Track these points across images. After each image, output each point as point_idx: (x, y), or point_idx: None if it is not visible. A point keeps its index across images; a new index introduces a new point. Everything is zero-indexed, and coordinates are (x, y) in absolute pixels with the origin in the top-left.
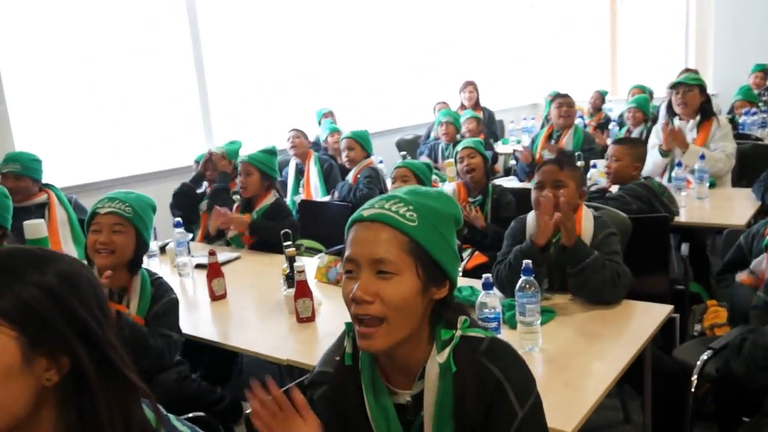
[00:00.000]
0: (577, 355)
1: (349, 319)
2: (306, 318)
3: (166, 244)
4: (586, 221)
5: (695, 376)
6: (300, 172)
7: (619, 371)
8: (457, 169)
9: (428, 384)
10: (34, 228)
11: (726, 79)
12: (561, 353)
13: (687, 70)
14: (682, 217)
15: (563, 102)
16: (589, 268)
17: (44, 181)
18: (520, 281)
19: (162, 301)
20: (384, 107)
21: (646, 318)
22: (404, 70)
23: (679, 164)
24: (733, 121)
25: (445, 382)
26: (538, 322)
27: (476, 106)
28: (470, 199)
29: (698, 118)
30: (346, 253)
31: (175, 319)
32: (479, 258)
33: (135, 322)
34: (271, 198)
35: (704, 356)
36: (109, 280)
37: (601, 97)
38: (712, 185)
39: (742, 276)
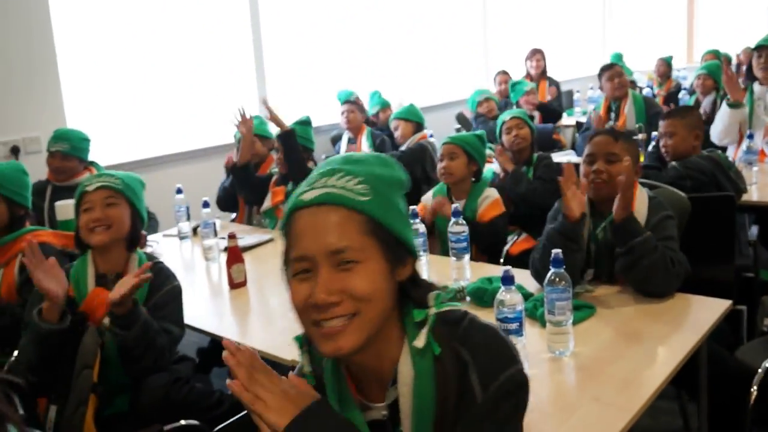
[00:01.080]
0: (616, 360)
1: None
2: (239, 283)
3: (198, 226)
4: (639, 202)
5: (755, 387)
6: (353, 148)
7: (663, 379)
8: (502, 140)
9: (403, 389)
10: (65, 209)
11: None
12: (596, 358)
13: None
14: (753, 196)
15: (613, 74)
16: (639, 248)
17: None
18: (549, 274)
19: (163, 290)
20: (444, 79)
21: (701, 314)
22: (465, 38)
23: (751, 137)
24: None
25: (421, 382)
26: (570, 321)
27: (543, 75)
28: None
29: None
30: (293, 252)
31: (177, 311)
32: (528, 242)
33: (149, 317)
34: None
35: (766, 363)
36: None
37: (665, 63)
38: None
39: None
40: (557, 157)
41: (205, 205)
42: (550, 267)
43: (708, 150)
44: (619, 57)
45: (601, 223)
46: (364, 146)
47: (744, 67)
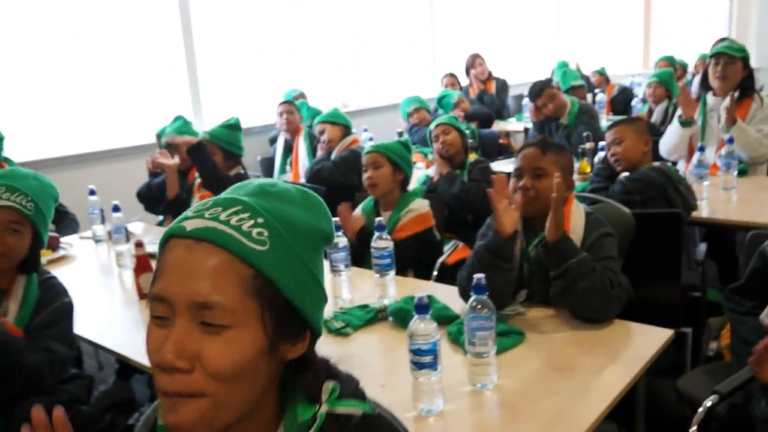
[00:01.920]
0: (545, 395)
1: None
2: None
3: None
4: (575, 219)
5: (694, 428)
6: (289, 149)
7: (596, 417)
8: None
9: None
10: None
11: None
12: (522, 393)
13: (721, 40)
14: (703, 212)
15: (544, 101)
16: (574, 270)
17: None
18: (470, 300)
19: (50, 308)
20: (390, 80)
21: (641, 343)
22: (412, 39)
23: (702, 149)
24: None
25: None
26: (492, 352)
27: (489, 78)
28: None
29: (736, 95)
30: (154, 287)
31: (65, 329)
32: (465, 251)
33: (7, 334)
34: (234, 172)
35: (708, 402)
36: None
37: (600, 75)
38: (742, 173)
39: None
40: (502, 165)
41: (116, 209)
42: (472, 293)
43: (659, 162)
44: (563, 65)
45: (534, 240)
46: (302, 148)
47: (698, 77)
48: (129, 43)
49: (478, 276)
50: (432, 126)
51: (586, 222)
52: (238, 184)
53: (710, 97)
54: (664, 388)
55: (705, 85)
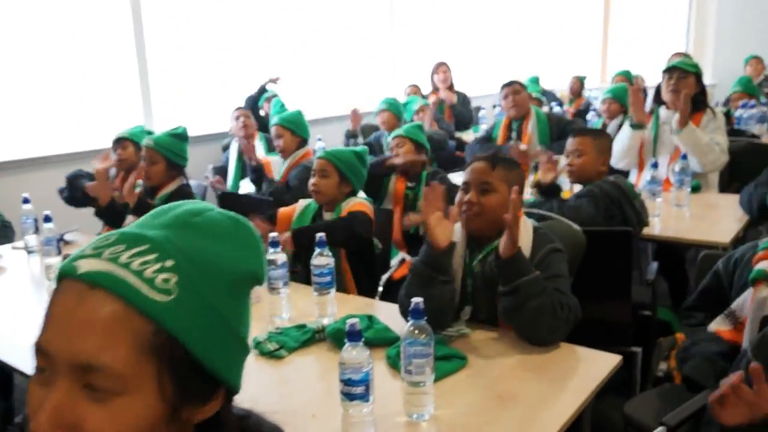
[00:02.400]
0: (485, 426)
1: None
2: None
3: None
4: (523, 234)
5: None
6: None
7: None
8: None
9: None
10: None
11: (725, 69)
12: (461, 425)
13: (677, 55)
14: (655, 229)
15: (508, 91)
16: (526, 288)
17: None
18: (407, 325)
19: None
20: (349, 88)
21: (587, 369)
22: (372, 48)
23: (655, 165)
24: (728, 115)
25: None
26: (430, 381)
27: (450, 88)
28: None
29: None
30: (38, 335)
31: None
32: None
33: None
34: (175, 183)
35: None
36: None
37: (579, 82)
38: (696, 189)
39: (716, 326)
40: (458, 177)
41: (47, 219)
42: (410, 317)
43: (614, 176)
44: (535, 80)
45: (479, 255)
46: (259, 151)
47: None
48: (73, 45)
49: (416, 300)
50: (389, 137)
51: (534, 237)
52: (159, 209)
53: (663, 111)
54: (612, 412)
55: (657, 99)
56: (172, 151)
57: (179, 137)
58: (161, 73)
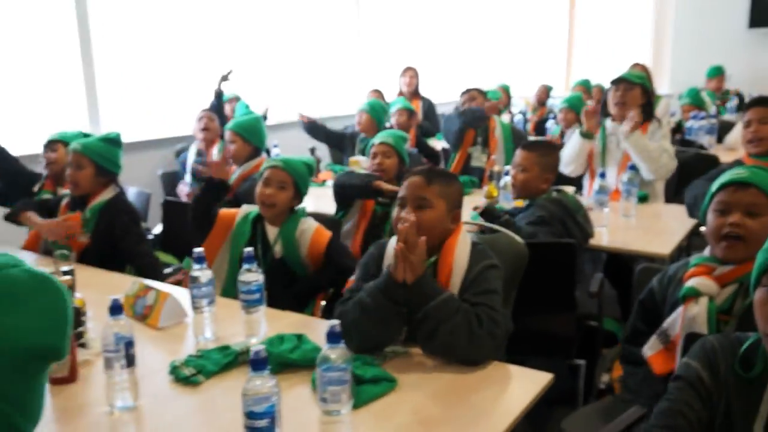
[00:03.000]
0: None
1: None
2: (61, 378)
3: None
4: (461, 251)
5: None
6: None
7: None
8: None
9: None
10: None
11: (683, 80)
12: None
13: (636, 65)
14: (602, 240)
15: (468, 97)
16: (435, 313)
17: None
18: (323, 351)
19: None
20: (313, 93)
21: (518, 389)
22: (337, 53)
23: (603, 176)
24: (679, 126)
25: None
26: (346, 410)
27: (415, 94)
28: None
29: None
30: None
31: None
32: None
33: None
34: (109, 192)
35: None
36: None
37: (546, 91)
38: (643, 200)
39: (650, 348)
40: None
41: None
42: (327, 342)
43: (556, 191)
44: (507, 88)
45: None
46: (215, 158)
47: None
48: (11, 43)
49: (333, 323)
50: (375, 141)
51: (472, 253)
52: None
53: (609, 123)
54: (556, 425)
55: (605, 112)
56: (102, 156)
57: (111, 142)
58: (109, 75)
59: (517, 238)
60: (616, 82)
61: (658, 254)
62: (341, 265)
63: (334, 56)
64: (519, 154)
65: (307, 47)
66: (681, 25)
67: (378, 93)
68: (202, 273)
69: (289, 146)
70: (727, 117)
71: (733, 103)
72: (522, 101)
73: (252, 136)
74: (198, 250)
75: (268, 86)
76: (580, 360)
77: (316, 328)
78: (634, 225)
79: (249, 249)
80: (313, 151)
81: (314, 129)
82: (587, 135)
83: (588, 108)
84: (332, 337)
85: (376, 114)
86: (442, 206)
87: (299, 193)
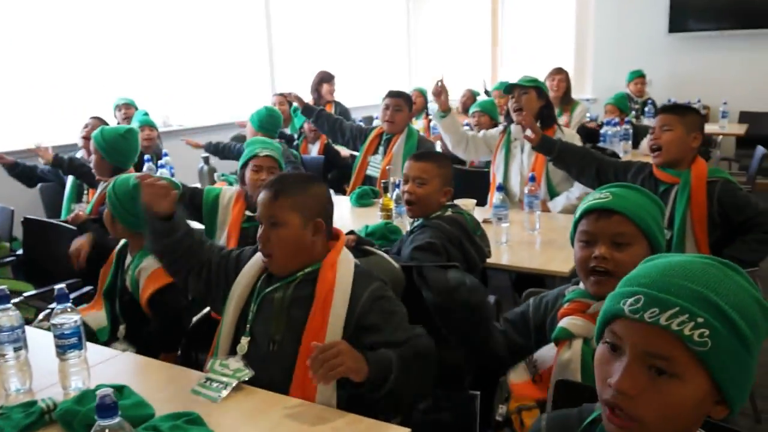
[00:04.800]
0: None
1: None
2: None
3: None
4: (343, 274)
5: None
6: None
7: None
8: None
9: None
10: None
11: (606, 85)
12: None
13: (556, 71)
14: (503, 257)
15: (389, 104)
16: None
17: None
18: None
19: None
20: (225, 97)
21: None
22: (249, 56)
23: (500, 189)
24: (601, 126)
25: None
26: None
27: (329, 102)
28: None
29: (537, 125)
30: None
31: None
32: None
33: None
34: None
35: None
36: None
37: (472, 96)
38: None
39: (516, 376)
40: None
41: None
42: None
43: (451, 207)
44: (423, 92)
45: (276, 284)
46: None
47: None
48: None
49: (105, 392)
50: (261, 152)
51: (355, 275)
52: None
53: (514, 127)
54: None
55: (509, 119)
56: None
57: None
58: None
59: (393, 261)
60: (508, 90)
61: (558, 272)
62: (163, 322)
63: (242, 61)
64: (414, 165)
65: (213, 51)
66: (602, 31)
67: (282, 97)
68: (6, 316)
69: (185, 155)
70: (646, 122)
71: (650, 107)
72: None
73: (108, 154)
74: (59, 287)
75: (170, 91)
76: (475, 391)
77: (147, 374)
78: (541, 240)
79: (61, 286)
80: (207, 159)
81: (216, 152)
82: (443, 115)
83: (434, 88)
84: (103, 411)
85: (261, 127)
86: (295, 221)
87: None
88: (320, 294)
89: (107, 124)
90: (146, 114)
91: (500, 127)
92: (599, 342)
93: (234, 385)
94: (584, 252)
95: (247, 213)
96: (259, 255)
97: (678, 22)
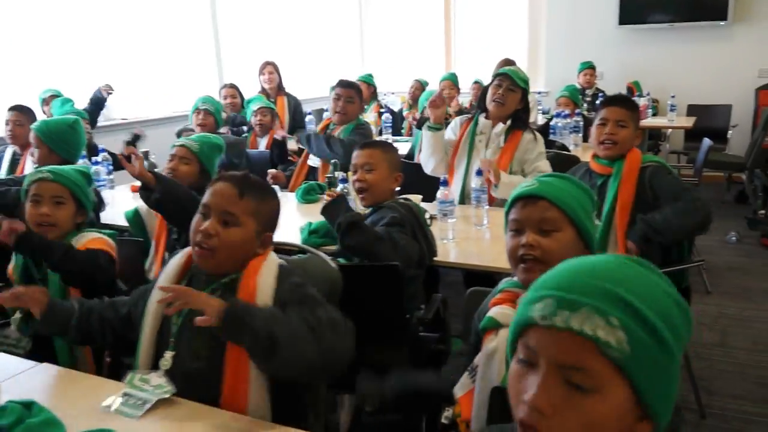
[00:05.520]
0: None
1: None
2: None
3: None
4: (266, 271)
5: None
6: (16, 165)
7: None
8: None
9: None
10: None
11: (558, 77)
12: None
13: (506, 61)
14: (450, 255)
15: (340, 94)
16: (266, 331)
17: None
18: None
19: None
20: (167, 89)
21: None
22: (193, 45)
23: (444, 183)
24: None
25: None
26: None
27: (279, 90)
28: None
29: (508, 123)
30: None
31: None
32: None
33: None
34: None
35: None
36: None
37: (421, 86)
38: None
39: (460, 388)
40: None
41: None
42: None
43: (403, 198)
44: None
45: (205, 289)
46: (30, 166)
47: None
48: None
49: None
50: (177, 141)
51: (279, 276)
52: None
53: (482, 120)
54: None
55: (482, 106)
56: None
57: None
58: None
59: (331, 262)
60: (500, 77)
61: (508, 269)
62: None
63: (187, 51)
64: (360, 153)
65: (157, 41)
66: (554, 23)
67: (233, 88)
68: None
69: (158, 145)
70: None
71: (599, 99)
72: (398, 98)
73: (55, 145)
74: None
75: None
76: None
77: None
78: (491, 235)
79: None
80: (146, 154)
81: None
82: (434, 127)
83: (433, 98)
84: None
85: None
86: (251, 226)
87: (84, 207)
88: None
89: (35, 116)
90: (69, 102)
91: (464, 117)
92: (512, 357)
93: (154, 401)
94: (513, 241)
95: None
96: (176, 261)
97: (628, 15)
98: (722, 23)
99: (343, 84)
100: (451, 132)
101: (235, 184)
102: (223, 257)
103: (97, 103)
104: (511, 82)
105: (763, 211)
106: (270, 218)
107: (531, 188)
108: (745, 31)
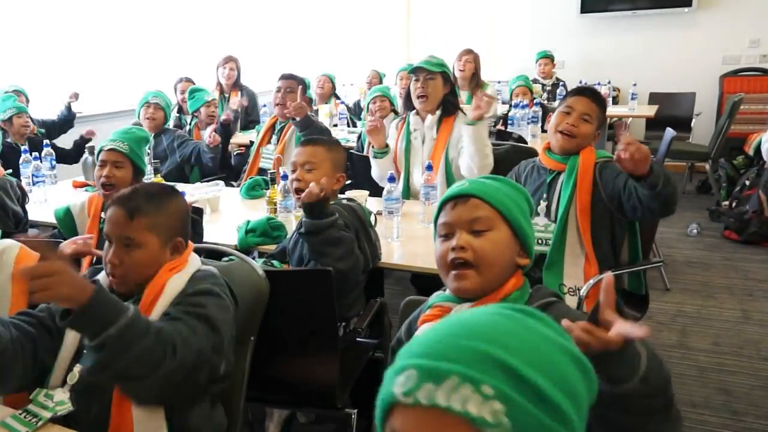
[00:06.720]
0: None
1: None
2: None
3: None
4: (175, 283)
5: None
6: None
7: None
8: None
9: None
10: None
11: (518, 67)
12: None
13: (466, 53)
14: (394, 256)
15: (280, 86)
16: (114, 344)
17: None
18: None
19: None
20: (122, 83)
21: None
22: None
23: (391, 179)
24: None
25: None
26: None
27: (235, 85)
28: None
29: (438, 113)
30: None
31: None
32: None
33: None
34: None
35: None
36: None
37: (378, 77)
38: None
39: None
40: None
41: None
42: None
43: (347, 198)
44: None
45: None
46: None
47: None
48: None
49: None
50: (105, 144)
51: (192, 278)
52: None
53: (413, 117)
54: None
55: (409, 105)
56: None
57: None
58: None
59: (258, 269)
60: (414, 71)
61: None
62: None
63: (142, 44)
64: (301, 151)
65: (111, 33)
66: (514, 12)
67: (189, 82)
68: None
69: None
70: (556, 105)
71: (561, 90)
72: (357, 90)
73: None
74: None
75: (65, 76)
76: (351, 409)
77: None
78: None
79: None
80: (92, 150)
81: None
82: (379, 153)
83: (368, 127)
84: None
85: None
86: (153, 242)
87: None
88: (145, 300)
89: None
90: (11, 97)
91: (396, 119)
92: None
93: (48, 418)
94: (443, 246)
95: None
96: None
97: (590, 3)
98: (686, 10)
99: (284, 76)
100: (391, 139)
101: (122, 206)
102: (134, 279)
103: (67, 122)
104: (426, 73)
105: (726, 202)
106: (173, 224)
107: (461, 188)
108: (710, 18)
